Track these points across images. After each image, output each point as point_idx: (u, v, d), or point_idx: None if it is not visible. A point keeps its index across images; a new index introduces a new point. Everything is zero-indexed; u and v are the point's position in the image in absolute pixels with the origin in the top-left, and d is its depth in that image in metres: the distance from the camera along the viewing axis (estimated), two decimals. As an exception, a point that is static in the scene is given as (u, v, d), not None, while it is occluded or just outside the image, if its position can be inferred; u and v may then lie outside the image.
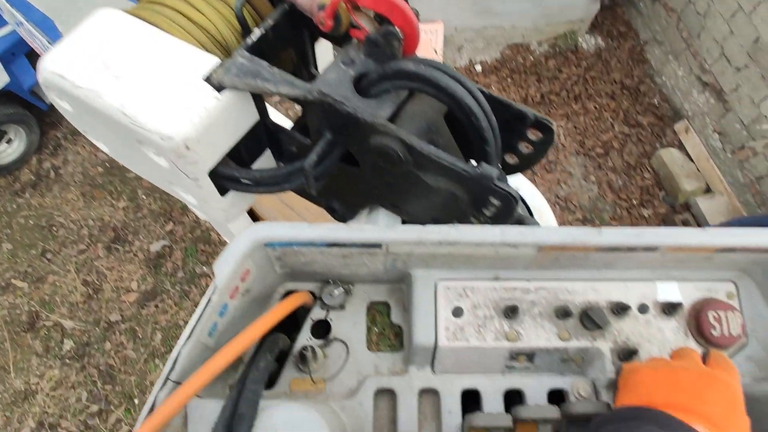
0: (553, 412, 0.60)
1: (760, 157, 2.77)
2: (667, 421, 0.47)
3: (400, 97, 0.73)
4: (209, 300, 0.62)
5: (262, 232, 0.63)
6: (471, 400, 0.71)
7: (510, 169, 0.85)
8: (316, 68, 0.93)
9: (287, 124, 0.94)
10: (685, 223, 2.85)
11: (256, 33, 0.72)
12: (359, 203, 0.88)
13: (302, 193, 0.93)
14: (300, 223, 0.64)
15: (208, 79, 0.68)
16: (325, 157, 0.74)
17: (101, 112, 0.65)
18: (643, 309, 0.72)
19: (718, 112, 2.98)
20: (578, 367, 0.72)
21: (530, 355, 0.70)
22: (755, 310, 0.74)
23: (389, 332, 0.74)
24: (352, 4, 0.68)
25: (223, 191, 0.79)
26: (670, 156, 3.00)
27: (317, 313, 0.74)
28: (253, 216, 1.24)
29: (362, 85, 0.71)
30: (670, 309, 0.71)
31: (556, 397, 0.71)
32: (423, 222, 0.80)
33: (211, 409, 0.60)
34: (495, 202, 0.68)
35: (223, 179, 0.76)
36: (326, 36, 0.87)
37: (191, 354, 0.61)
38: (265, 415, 0.56)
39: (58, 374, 2.66)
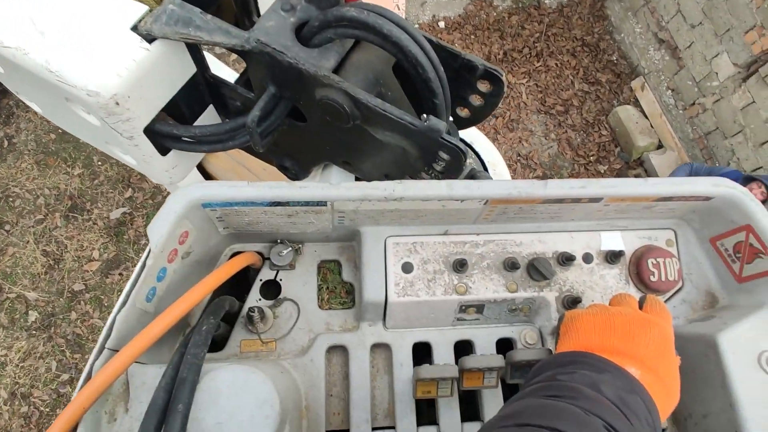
0: (498, 360, 0.61)
1: (709, 113, 2.84)
2: (601, 365, 0.47)
3: (344, 46, 0.68)
4: (144, 265, 0.58)
5: (197, 192, 0.59)
6: (423, 353, 0.71)
7: (462, 123, 0.82)
8: (259, 17, 0.86)
9: (233, 77, 0.87)
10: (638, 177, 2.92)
11: (188, -24, 0.65)
12: (311, 161, 0.84)
13: (252, 151, 0.88)
14: (238, 182, 0.60)
15: (135, 29, 0.61)
16: (270, 112, 0.69)
17: (28, 70, 0.59)
18: (587, 258, 0.73)
19: (672, 69, 3.02)
20: (525, 316, 0.72)
21: (479, 307, 0.70)
22: (691, 256, 0.76)
23: (341, 290, 0.73)
24: (286, -59, 0.62)
25: (163, 150, 0.73)
26: (626, 113, 3.04)
27: (266, 274, 0.71)
28: (209, 178, 1.18)
29: (303, 34, 0.66)
30: (613, 258, 0.72)
31: (505, 345, 0.71)
32: (376, 179, 0.77)
33: (154, 375, 0.57)
34: (444, 156, 0.66)
35: (161, 137, 0.71)
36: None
37: (128, 320, 0.57)
38: (207, 378, 0.53)
39: (26, 345, 2.58)
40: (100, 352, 0.56)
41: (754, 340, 0.63)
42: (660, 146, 3.06)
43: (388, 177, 0.76)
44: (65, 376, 2.51)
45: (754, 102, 2.59)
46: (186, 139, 0.71)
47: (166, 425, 0.49)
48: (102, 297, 2.62)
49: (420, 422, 0.66)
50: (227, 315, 0.66)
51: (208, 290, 0.59)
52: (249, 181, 0.61)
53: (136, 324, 0.58)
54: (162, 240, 0.58)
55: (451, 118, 0.81)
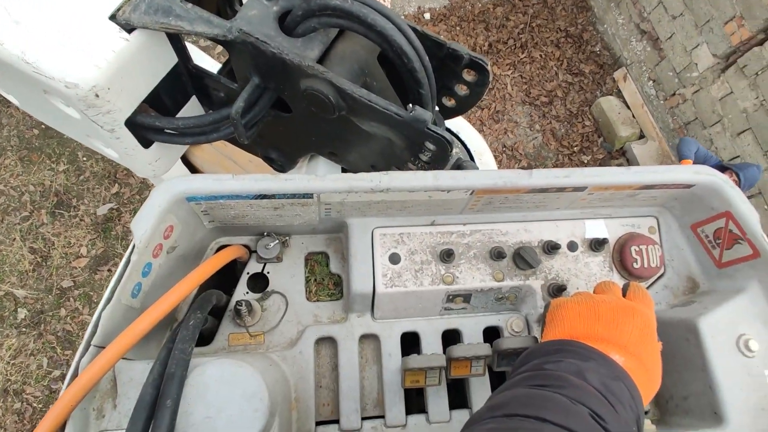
0: (485, 349, 0.60)
1: (689, 103, 2.87)
2: (586, 353, 0.47)
3: (328, 36, 0.66)
4: (128, 260, 0.56)
5: (181, 186, 0.57)
6: (411, 342, 0.71)
7: (448, 112, 0.81)
8: (241, 6, 0.84)
9: (216, 68, 0.85)
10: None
11: (165, -37, 0.63)
12: (297, 152, 0.83)
13: (237, 142, 0.86)
14: (223, 175, 0.59)
15: (113, 18, 0.59)
16: (255, 103, 0.67)
17: (3, 61, 0.57)
18: (572, 246, 0.73)
19: (653, 60, 3.03)
20: (512, 305, 0.72)
21: (466, 297, 0.69)
22: (673, 242, 0.76)
23: (328, 282, 0.72)
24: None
25: (146, 143, 0.71)
26: (608, 104, 3.06)
27: (253, 267, 0.70)
28: (195, 172, 1.15)
29: (287, 23, 0.64)
30: (597, 245, 0.72)
31: (492, 333, 0.72)
32: (362, 170, 0.76)
33: (141, 371, 0.56)
34: (430, 146, 0.65)
35: (143, 130, 0.69)
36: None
37: (114, 317, 0.56)
38: (196, 372, 0.52)
39: (16, 343, 2.54)
40: (86, 349, 0.55)
41: (733, 324, 0.64)
42: (642, 136, 3.09)
43: (374, 168, 0.75)
44: (57, 373, 2.48)
45: (732, 92, 2.62)
46: (169, 131, 0.69)
47: (155, 421, 0.48)
48: (91, 293, 2.58)
49: (409, 411, 0.66)
50: (214, 309, 0.65)
51: (194, 285, 0.58)
52: (234, 174, 0.60)
53: (122, 320, 0.57)
54: (146, 235, 0.56)
55: (437, 108, 0.80)
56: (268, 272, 0.70)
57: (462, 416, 0.66)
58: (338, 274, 0.72)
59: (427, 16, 3.25)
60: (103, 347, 0.54)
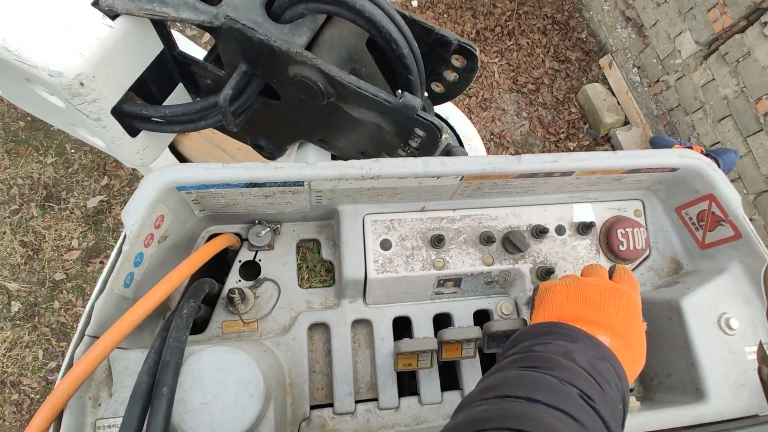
0: (475, 332, 0.61)
1: (672, 90, 2.88)
2: (574, 334, 0.48)
3: (316, 22, 0.65)
4: (120, 250, 0.55)
5: (171, 175, 0.56)
6: (403, 326, 0.71)
7: (437, 98, 0.80)
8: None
9: (202, 55, 0.83)
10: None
11: (147, -52, 0.61)
12: (286, 139, 0.81)
13: (225, 130, 0.85)
14: (213, 164, 0.58)
15: (96, 4, 0.57)
16: (243, 90, 0.66)
17: None
18: (560, 230, 0.73)
19: (638, 47, 3.04)
20: (501, 288, 0.73)
21: (457, 281, 0.70)
22: (658, 225, 0.77)
23: (320, 268, 0.71)
24: None
25: (133, 132, 0.69)
26: (594, 90, 3.06)
27: (245, 255, 0.69)
28: (183, 161, 1.13)
29: (274, 9, 0.63)
30: (584, 229, 0.73)
31: (482, 316, 0.72)
32: (352, 157, 0.75)
33: (136, 360, 0.55)
34: (420, 132, 0.64)
35: (130, 118, 0.67)
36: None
37: (107, 307, 0.55)
38: (191, 360, 0.52)
39: (11, 336, 2.51)
40: (81, 339, 0.54)
41: (715, 304, 0.65)
42: (626, 123, 3.10)
43: (364, 154, 0.75)
44: (53, 364, 2.46)
45: (713, 79, 2.63)
46: (156, 119, 0.68)
47: (151, 408, 0.48)
48: (84, 285, 2.55)
49: (401, 393, 0.67)
50: (207, 297, 0.65)
51: (186, 274, 0.57)
52: (224, 163, 0.58)
53: (115, 310, 0.56)
54: (137, 225, 0.55)
55: (426, 94, 0.79)
56: (259, 260, 0.69)
57: (453, 397, 0.67)
58: (330, 261, 0.71)
59: (415, 3, 3.21)
60: (97, 337, 0.53)
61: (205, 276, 0.67)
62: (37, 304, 2.54)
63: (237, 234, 0.69)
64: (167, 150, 1.01)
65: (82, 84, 0.57)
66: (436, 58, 0.72)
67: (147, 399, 0.49)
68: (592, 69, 3.23)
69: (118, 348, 0.56)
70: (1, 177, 2.72)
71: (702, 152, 2.37)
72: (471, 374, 0.68)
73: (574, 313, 0.52)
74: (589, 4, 3.33)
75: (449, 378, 0.72)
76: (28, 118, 2.84)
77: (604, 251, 0.74)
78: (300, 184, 0.60)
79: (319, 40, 0.65)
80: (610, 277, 0.58)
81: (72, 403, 0.52)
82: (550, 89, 3.12)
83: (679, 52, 2.79)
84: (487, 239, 0.69)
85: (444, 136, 0.82)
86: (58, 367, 2.46)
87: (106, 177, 2.72)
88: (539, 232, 0.70)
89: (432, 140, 0.65)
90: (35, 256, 2.60)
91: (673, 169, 0.69)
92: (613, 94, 3.13)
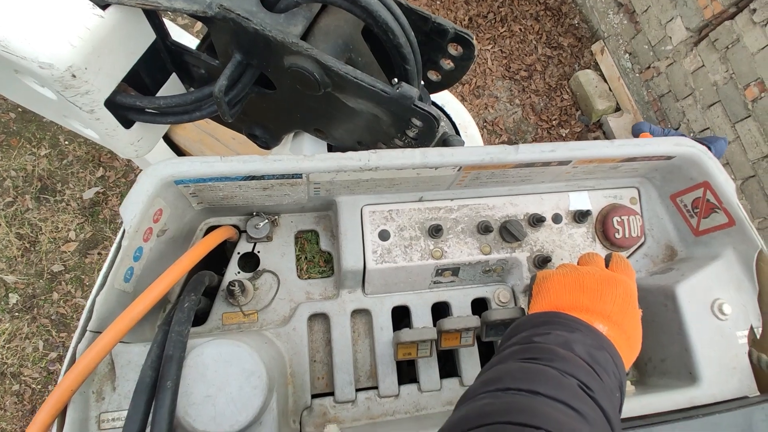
0: (473, 321, 0.61)
1: (663, 76, 2.87)
2: (572, 324, 0.48)
3: (312, 11, 0.63)
4: (119, 245, 0.54)
5: (168, 170, 0.55)
6: (402, 315, 0.71)
7: (434, 87, 0.79)
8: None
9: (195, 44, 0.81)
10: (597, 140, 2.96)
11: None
12: (282, 129, 0.80)
13: (220, 120, 0.83)
14: (211, 157, 0.56)
15: (86, -6, 0.55)
16: (237, 80, 0.64)
17: None
18: (556, 219, 0.73)
19: (629, 33, 3.01)
20: (499, 277, 0.72)
21: (455, 270, 0.69)
22: (653, 212, 0.77)
23: (319, 259, 0.71)
24: None
25: (127, 123, 0.68)
26: (586, 77, 3.04)
27: (244, 247, 0.68)
28: (177, 151, 1.11)
29: (268, -2, 0.61)
30: (580, 217, 0.72)
31: (480, 304, 0.72)
32: (348, 146, 0.74)
33: (138, 353, 0.55)
34: (417, 122, 0.63)
35: (124, 110, 0.65)
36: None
37: (108, 302, 0.54)
38: (194, 353, 0.52)
39: (10, 327, 2.49)
40: (83, 334, 0.54)
41: (708, 289, 0.65)
42: (618, 109, 3.09)
43: (360, 144, 0.73)
44: (53, 354, 2.45)
45: (703, 66, 2.62)
46: (150, 110, 0.66)
47: (156, 401, 0.48)
48: (83, 277, 2.53)
49: (401, 381, 0.67)
50: (207, 289, 0.64)
51: (186, 268, 0.56)
52: (222, 156, 0.57)
53: (116, 305, 0.55)
54: (136, 219, 0.54)
55: (422, 82, 0.78)
56: (258, 251, 0.68)
57: (452, 384, 0.67)
58: (328, 252, 0.71)
59: (408, -10, 3.15)
60: (99, 332, 0.53)
61: (203, 268, 0.66)
62: (35, 296, 2.52)
63: (235, 226, 0.68)
64: (162, 141, 0.99)
65: (74, 76, 0.55)
66: (432, 46, 0.71)
67: (151, 393, 0.49)
68: (584, 55, 3.21)
69: (120, 342, 0.55)
70: (-5, 169, 2.67)
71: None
72: (469, 362, 0.68)
73: (571, 302, 0.52)
74: (581, -10, 3.29)
75: (448, 365, 0.72)
76: (20, 110, 2.78)
77: (600, 239, 0.74)
78: (298, 176, 0.59)
79: (315, 29, 0.63)
80: (607, 266, 0.58)
81: (75, 398, 0.51)
82: (542, 76, 3.10)
83: (670, 38, 2.77)
84: (484, 228, 0.68)
85: (441, 124, 0.81)
86: (59, 357, 2.45)
87: (101, 168, 2.69)
88: (536, 220, 0.70)
89: (429, 130, 0.64)
90: (32, 249, 2.57)
91: (669, 158, 0.68)
92: (605, 81, 3.11)
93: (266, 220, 0.67)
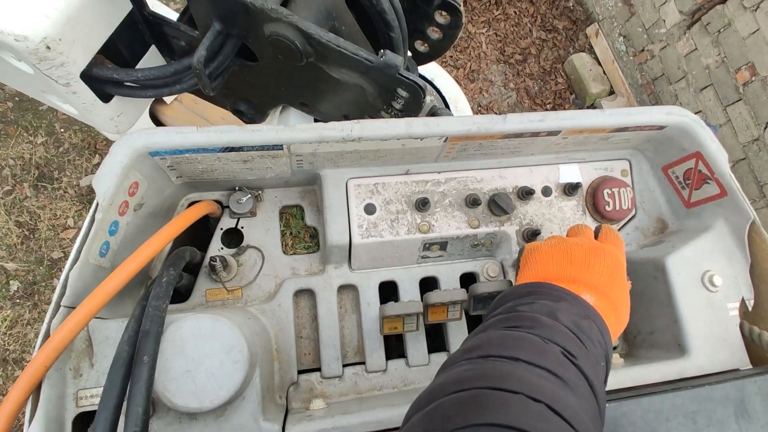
0: (460, 294, 0.58)
1: (656, 59, 2.82)
2: (558, 294, 0.46)
3: (292, -23, 0.59)
4: (92, 219, 0.51)
5: (141, 141, 0.52)
6: (390, 291, 0.68)
7: (422, 58, 0.75)
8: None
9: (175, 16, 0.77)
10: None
11: None
12: (267, 104, 0.77)
13: (204, 95, 0.80)
14: (186, 128, 0.53)
15: (56, -39, 0.52)
16: (218, 51, 0.61)
17: None
18: (546, 192, 0.70)
19: (624, 16, 2.95)
20: (488, 251, 0.70)
21: (443, 244, 0.67)
22: (644, 184, 0.74)
23: (304, 234, 0.68)
24: None
25: (105, 97, 0.65)
26: (580, 60, 2.99)
27: (227, 222, 0.66)
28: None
29: (246, -37, 0.57)
30: (570, 190, 0.70)
31: (469, 279, 0.70)
32: (335, 120, 0.71)
33: (117, 329, 0.53)
34: (403, 93, 0.60)
35: (101, 83, 0.62)
36: None
37: (84, 277, 0.52)
38: (172, 328, 0.49)
39: (12, 314, 2.47)
40: (56, 310, 0.51)
41: (699, 261, 0.63)
42: (611, 92, 3.05)
43: (347, 117, 0.70)
44: (55, 340, 2.44)
45: (696, 49, 2.57)
46: (129, 83, 0.63)
47: (132, 377, 0.45)
48: (82, 262, 2.51)
49: (389, 356, 0.65)
50: (190, 265, 0.61)
51: (164, 242, 0.54)
52: (198, 127, 0.54)
53: (92, 280, 0.52)
54: (109, 192, 0.51)
55: (409, 54, 0.75)
56: (242, 227, 0.66)
57: (440, 359, 0.65)
58: (314, 227, 0.68)
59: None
60: (74, 307, 0.50)
61: (187, 245, 0.64)
62: (36, 283, 2.50)
63: (218, 201, 0.65)
64: (149, 120, 0.95)
65: (48, 47, 0.53)
66: (418, 14, 0.67)
67: (128, 368, 0.47)
68: (579, 38, 3.15)
69: (97, 318, 0.53)
70: (-7, 158, 2.63)
71: None
72: (457, 336, 0.66)
73: (558, 273, 0.49)
74: (576, -27, 3.21)
75: (437, 341, 0.70)
76: (17, 98, 2.73)
77: (591, 212, 0.71)
78: (279, 147, 0.56)
79: (296, -5, 0.60)
80: (596, 237, 0.56)
81: (51, 374, 0.49)
82: (537, 60, 3.04)
83: (664, 21, 2.71)
84: (472, 202, 0.66)
85: (429, 98, 0.77)
86: (62, 342, 2.44)
87: (97, 156, 2.64)
88: (525, 193, 0.67)
89: (415, 101, 0.61)
90: (32, 236, 2.54)
91: (661, 127, 0.65)
92: (600, 64, 3.06)
93: (249, 195, 0.64)
